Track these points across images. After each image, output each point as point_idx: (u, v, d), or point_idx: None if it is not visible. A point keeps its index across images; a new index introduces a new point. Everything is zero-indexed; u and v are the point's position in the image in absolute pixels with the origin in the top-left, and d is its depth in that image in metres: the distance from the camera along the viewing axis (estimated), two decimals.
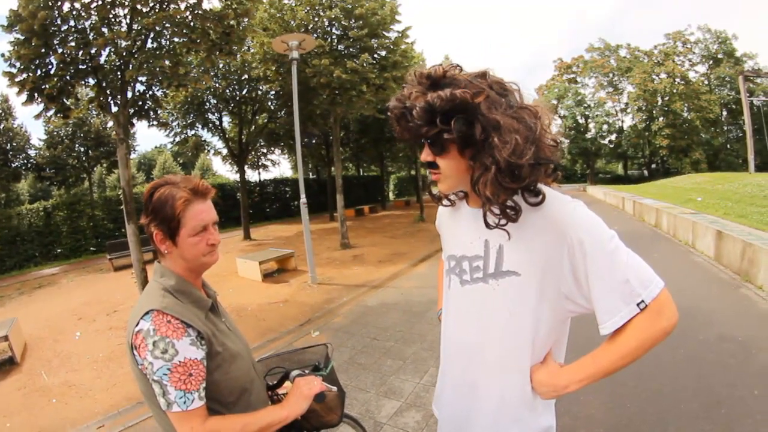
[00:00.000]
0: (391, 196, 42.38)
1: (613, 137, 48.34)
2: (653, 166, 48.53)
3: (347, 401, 1.93)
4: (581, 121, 48.28)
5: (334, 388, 1.51)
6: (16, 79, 7.39)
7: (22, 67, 7.34)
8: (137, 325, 1.16)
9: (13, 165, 21.50)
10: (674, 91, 42.44)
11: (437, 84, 1.02)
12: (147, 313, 1.16)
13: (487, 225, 1.10)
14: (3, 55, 7.31)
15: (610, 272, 0.99)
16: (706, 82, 44.96)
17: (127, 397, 4.33)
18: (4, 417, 4.30)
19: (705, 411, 3.14)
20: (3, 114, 21.22)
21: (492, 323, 1.16)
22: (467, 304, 1.23)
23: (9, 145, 21.10)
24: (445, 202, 1.34)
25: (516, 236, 1.09)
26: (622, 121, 48.59)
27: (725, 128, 45.63)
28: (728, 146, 44.90)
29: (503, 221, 1.07)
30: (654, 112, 43.90)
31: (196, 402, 1.15)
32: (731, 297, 5.83)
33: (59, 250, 17.79)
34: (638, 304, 0.98)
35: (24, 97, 7.56)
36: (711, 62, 44.58)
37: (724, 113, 45.22)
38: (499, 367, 1.17)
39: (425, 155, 1.11)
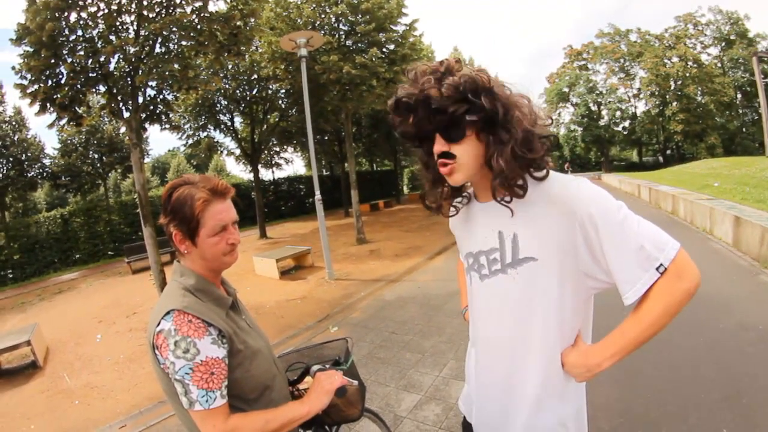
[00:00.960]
0: (405, 189, 42.20)
1: (626, 124, 47.79)
2: (668, 152, 47.94)
3: (367, 395, 1.94)
4: (594, 108, 47.82)
5: (355, 382, 1.51)
6: (28, 91, 7.50)
7: (33, 78, 7.45)
8: (158, 325, 1.16)
9: (29, 175, 21.90)
10: (687, 74, 41.75)
11: (450, 72, 1.04)
12: (168, 313, 1.17)
13: (495, 197, 1.12)
14: (14, 67, 7.40)
15: (624, 241, 0.99)
16: (719, 65, 44.08)
17: (148, 397, 4.40)
18: (29, 419, 4.39)
19: (725, 401, 3.09)
20: (17, 125, 21.56)
21: (517, 312, 1.16)
22: (490, 298, 1.23)
23: (24, 155, 21.47)
24: (451, 211, 1.34)
25: (528, 222, 1.10)
26: (635, 107, 48.03)
27: (740, 111, 44.78)
28: (744, 130, 44.13)
29: (508, 198, 1.10)
30: (667, 96, 43.26)
31: (218, 400, 1.15)
32: (750, 284, 5.72)
33: (78, 256, 18.11)
34: (657, 269, 0.98)
35: (36, 107, 7.68)
36: (723, 44, 43.64)
37: (739, 96, 44.33)
38: (529, 356, 1.16)
39: (439, 146, 1.10)
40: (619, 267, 1.00)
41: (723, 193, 12.07)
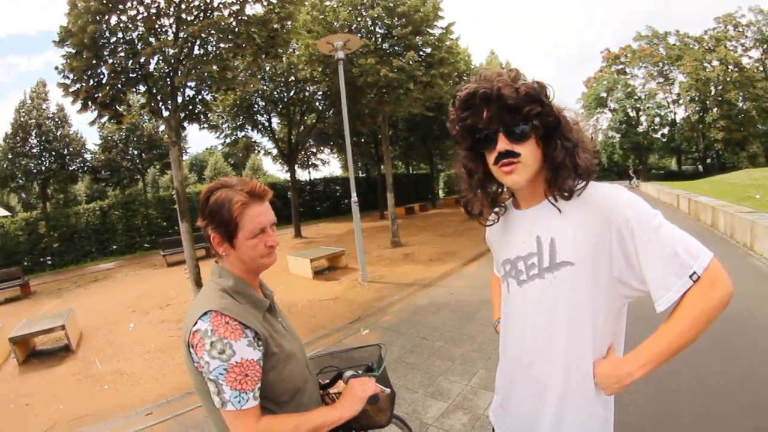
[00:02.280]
0: (441, 194, 41.89)
1: (665, 131, 45.90)
2: (708, 160, 46.15)
3: (395, 401, 1.93)
4: (632, 114, 46.09)
5: (387, 390, 1.51)
6: (70, 90, 7.80)
7: (75, 78, 7.74)
8: (195, 324, 1.18)
9: (70, 168, 22.76)
10: (728, 79, 39.89)
11: (519, 78, 1.10)
12: (205, 313, 1.18)
13: (547, 196, 1.17)
14: (57, 67, 7.70)
15: (659, 247, 1.00)
16: (761, 68, 41.98)
17: (176, 387, 4.50)
18: (59, 400, 4.57)
19: (760, 430, 2.89)
20: (59, 122, 22.45)
21: (553, 318, 1.16)
22: (527, 303, 1.23)
23: (66, 150, 22.34)
24: (491, 218, 1.33)
25: (565, 227, 1.13)
26: (675, 114, 46.09)
27: None
28: None
29: (557, 198, 1.14)
30: (707, 102, 41.46)
31: (251, 402, 1.17)
32: None
33: (114, 247, 18.76)
34: (690, 276, 0.99)
35: (78, 105, 7.96)
36: (765, 46, 41.52)
37: None
38: (561, 362, 1.16)
39: (503, 145, 1.11)
40: (653, 273, 1.01)
41: (765, 206, 11.58)
